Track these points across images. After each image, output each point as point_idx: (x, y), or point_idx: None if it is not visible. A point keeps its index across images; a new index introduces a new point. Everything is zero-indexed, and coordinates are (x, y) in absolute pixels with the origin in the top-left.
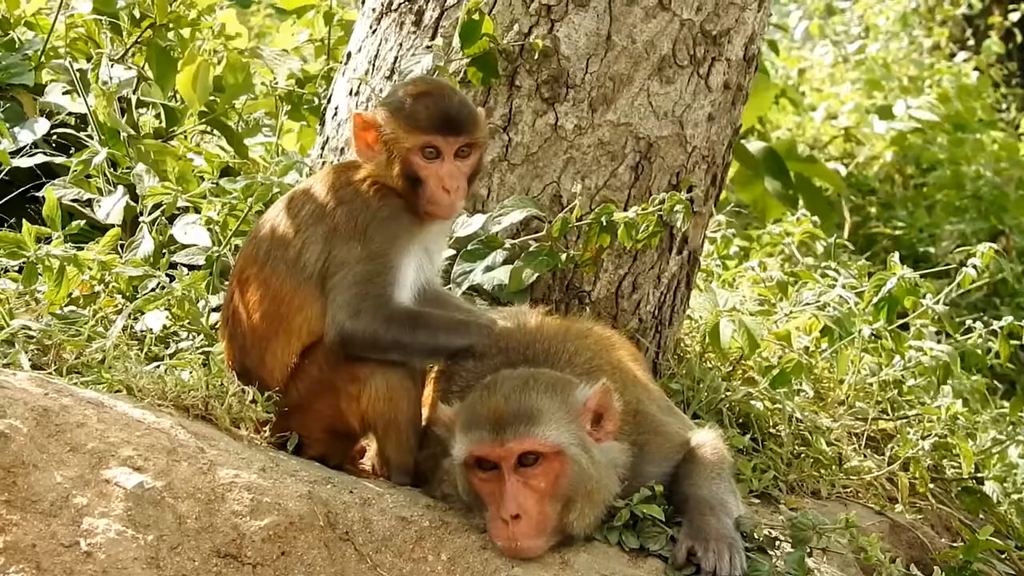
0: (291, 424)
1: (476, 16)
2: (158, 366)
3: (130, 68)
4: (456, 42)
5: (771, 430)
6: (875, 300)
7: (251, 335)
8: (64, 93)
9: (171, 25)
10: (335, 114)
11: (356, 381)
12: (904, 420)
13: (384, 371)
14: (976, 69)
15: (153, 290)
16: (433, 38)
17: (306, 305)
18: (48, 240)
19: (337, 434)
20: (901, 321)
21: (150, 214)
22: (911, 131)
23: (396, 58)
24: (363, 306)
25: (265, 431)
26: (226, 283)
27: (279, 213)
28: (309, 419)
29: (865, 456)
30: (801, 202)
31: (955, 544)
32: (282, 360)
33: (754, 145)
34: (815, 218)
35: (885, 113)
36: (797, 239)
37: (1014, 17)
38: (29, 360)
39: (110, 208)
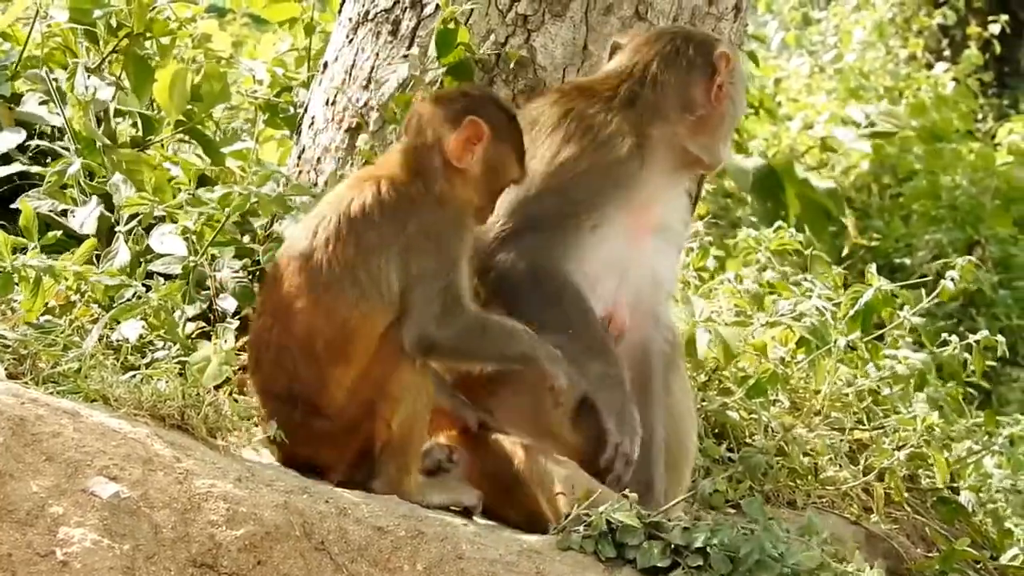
0: (321, 448)
1: (451, 26)
2: (134, 376)
3: (106, 78)
4: (432, 51)
5: (747, 440)
6: (851, 311)
7: (307, 363)
8: (41, 103)
9: (148, 34)
10: (311, 123)
11: (393, 401)
12: (880, 430)
13: (413, 396)
14: (954, 79)
15: (129, 300)
16: (410, 48)
17: (372, 329)
18: (24, 251)
19: (361, 453)
20: (878, 332)
21: (126, 224)
22: (873, 135)
23: (373, 67)
24: (447, 316)
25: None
26: (203, 292)
27: (329, 239)
28: (349, 440)
29: (841, 466)
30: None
31: (931, 554)
32: (345, 385)
33: (753, 161)
34: (792, 229)
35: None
36: (774, 247)
37: (994, 28)
38: (5, 370)
39: (85, 218)
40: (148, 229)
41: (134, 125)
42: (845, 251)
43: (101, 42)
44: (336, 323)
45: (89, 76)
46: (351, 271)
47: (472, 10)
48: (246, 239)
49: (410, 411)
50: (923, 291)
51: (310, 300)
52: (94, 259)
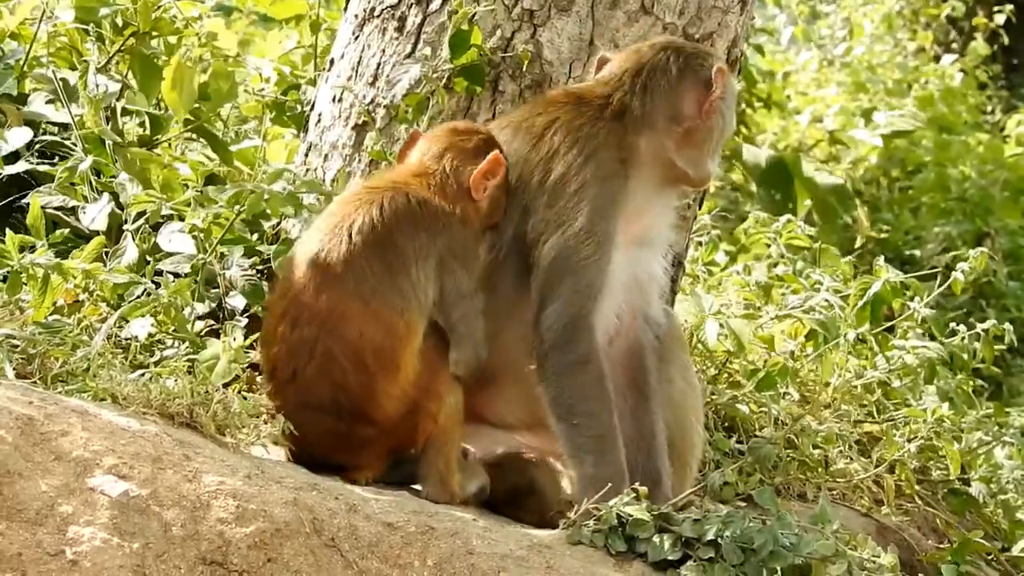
0: (362, 453)
1: (465, 26)
2: (143, 374)
3: (114, 77)
4: (442, 50)
5: (757, 433)
6: (860, 303)
7: (358, 375)
8: (47, 102)
9: (154, 33)
10: (319, 120)
11: (438, 399)
12: (890, 422)
13: (454, 390)
14: (961, 71)
15: (138, 297)
16: (416, 44)
17: (414, 336)
18: (32, 249)
19: (396, 450)
20: (887, 324)
21: (134, 222)
22: (892, 134)
23: (379, 64)
24: (484, 340)
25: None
26: (212, 291)
27: (367, 243)
28: (390, 441)
29: (851, 458)
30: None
31: (942, 546)
32: (394, 395)
33: (763, 152)
34: (801, 222)
35: (870, 117)
36: (784, 240)
37: (1000, 19)
38: (13, 369)
39: (95, 215)
40: (156, 227)
41: (141, 124)
42: (858, 243)
43: (107, 41)
44: (385, 331)
45: (96, 75)
46: (393, 279)
47: (479, 6)
48: (255, 237)
49: (453, 405)
50: (934, 283)
51: (359, 307)
52: (103, 257)
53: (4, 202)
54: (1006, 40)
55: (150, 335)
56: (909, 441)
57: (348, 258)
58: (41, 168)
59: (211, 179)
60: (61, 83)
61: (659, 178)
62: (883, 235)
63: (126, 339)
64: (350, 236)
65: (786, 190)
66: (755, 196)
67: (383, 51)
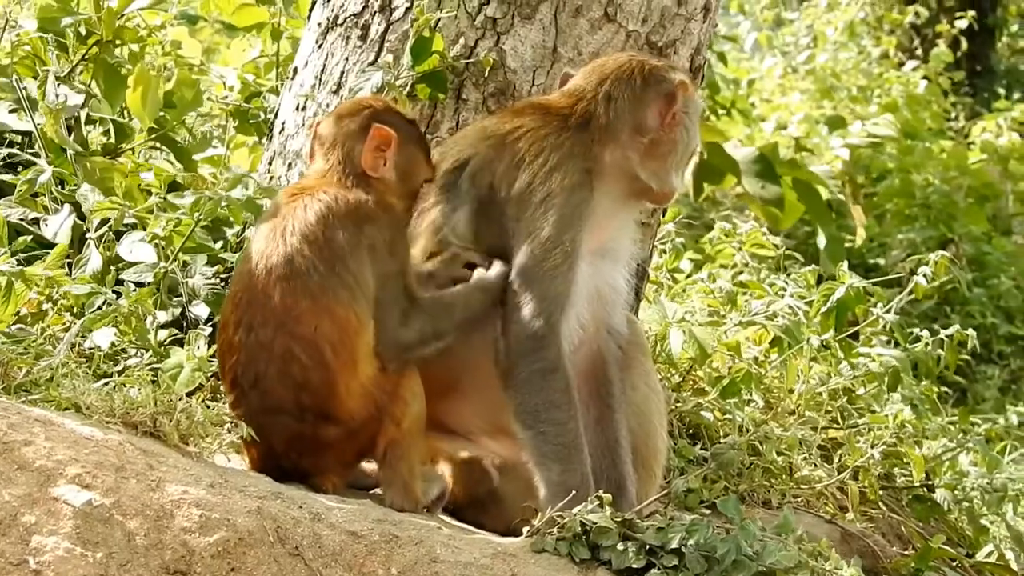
0: (327, 455)
1: (426, 33)
2: (106, 383)
3: (77, 86)
4: (405, 58)
5: (721, 440)
6: (824, 309)
7: (318, 371)
8: (11, 112)
9: (118, 41)
10: (282, 129)
11: (402, 404)
12: (854, 429)
13: (418, 397)
14: (925, 78)
15: (100, 307)
16: (380, 52)
17: (365, 328)
18: None
19: (359, 454)
20: (851, 331)
21: (97, 230)
22: (867, 145)
23: (343, 72)
24: (408, 315)
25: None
26: (176, 299)
27: (304, 240)
28: (353, 442)
29: (815, 465)
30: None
31: (906, 552)
32: (354, 390)
33: (742, 151)
34: (764, 229)
35: (835, 124)
36: (748, 247)
37: (961, 24)
38: None
39: (57, 227)
40: (119, 235)
41: (106, 132)
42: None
43: (71, 50)
44: (339, 325)
45: (59, 84)
46: (337, 274)
47: (442, 14)
48: (218, 245)
49: (417, 411)
50: (898, 289)
51: (309, 303)
52: (66, 266)
53: None
54: (966, 46)
55: (113, 344)
56: (873, 447)
57: (289, 258)
58: (5, 178)
59: (175, 187)
60: (24, 92)
61: (623, 191)
62: (848, 243)
63: (89, 349)
64: (285, 239)
65: (773, 181)
66: (743, 195)
67: (346, 59)
